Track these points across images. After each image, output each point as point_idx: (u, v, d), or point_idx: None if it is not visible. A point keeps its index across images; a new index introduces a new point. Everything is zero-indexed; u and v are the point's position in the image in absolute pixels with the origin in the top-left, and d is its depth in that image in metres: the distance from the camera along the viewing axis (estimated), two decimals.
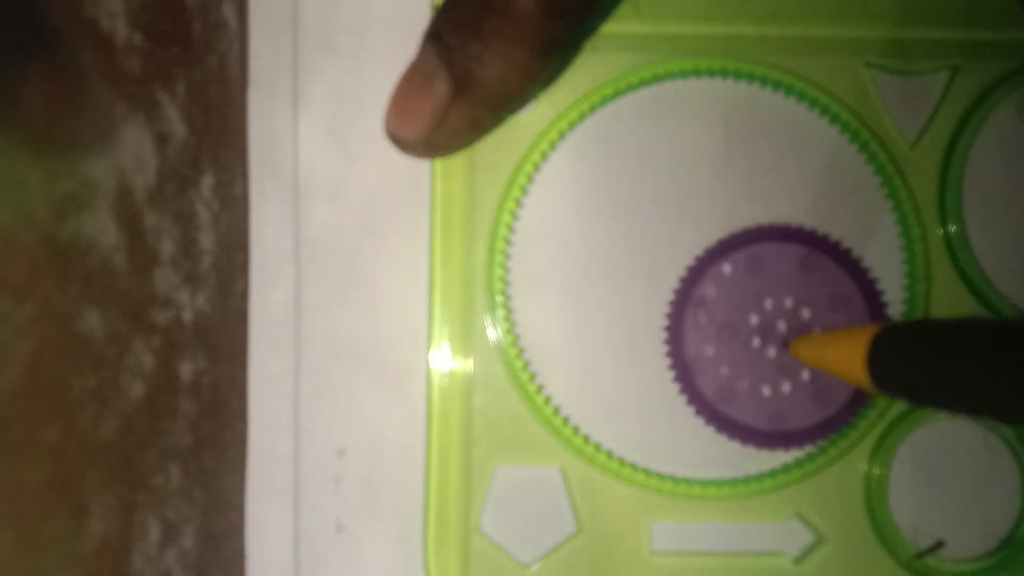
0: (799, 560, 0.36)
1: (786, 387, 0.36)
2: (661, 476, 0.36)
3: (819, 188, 0.36)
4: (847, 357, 0.32)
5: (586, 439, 0.36)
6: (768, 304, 0.36)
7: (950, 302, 0.35)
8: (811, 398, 0.36)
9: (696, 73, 0.36)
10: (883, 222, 0.36)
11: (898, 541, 0.35)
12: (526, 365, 0.36)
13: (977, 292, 0.35)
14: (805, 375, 0.36)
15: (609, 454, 0.36)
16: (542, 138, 0.36)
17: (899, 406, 0.35)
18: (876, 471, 0.35)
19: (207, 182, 0.35)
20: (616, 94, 0.36)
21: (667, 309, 0.36)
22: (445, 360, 0.36)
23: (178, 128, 0.32)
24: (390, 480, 0.37)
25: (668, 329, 0.36)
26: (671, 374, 0.36)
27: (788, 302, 0.36)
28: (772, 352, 0.36)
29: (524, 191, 0.36)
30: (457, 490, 0.35)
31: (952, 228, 0.35)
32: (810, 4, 0.35)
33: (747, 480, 0.36)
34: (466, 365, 0.36)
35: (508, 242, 0.36)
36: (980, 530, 0.36)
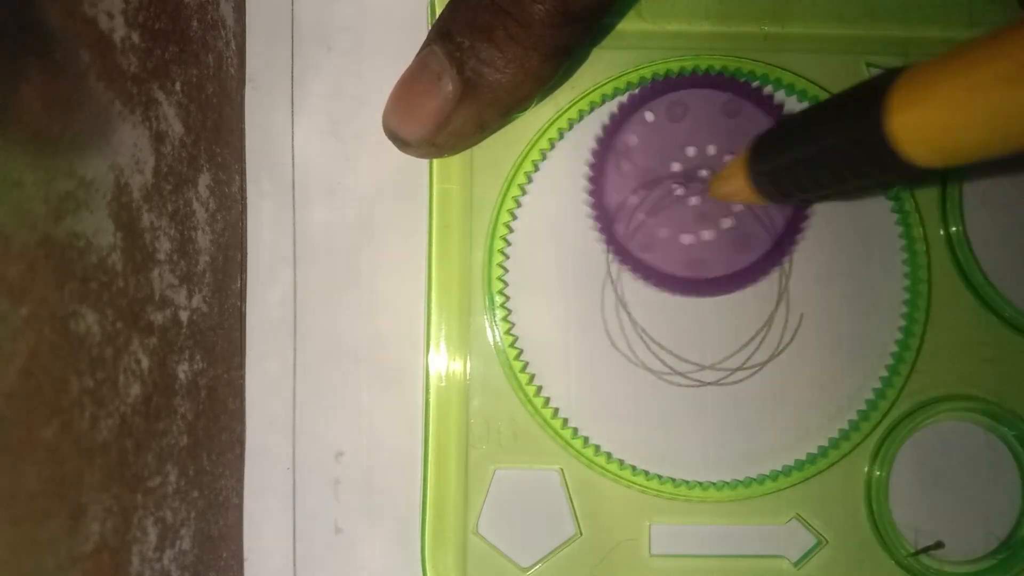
0: (800, 563, 0.36)
1: (706, 234, 0.36)
2: (661, 478, 0.36)
3: None
4: (737, 178, 0.32)
5: (585, 441, 0.36)
6: (691, 152, 0.36)
7: (951, 302, 0.35)
8: (731, 246, 0.36)
9: (697, 72, 0.36)
10: (884, 222, 0.36)
11: (900, 544, 0.35)
12: (525, 366, 0.36)
13: (977, 292, 0.35)
14: (726, 223, 0.36)
15: (609, 456, 0.36)
16: (542, 137, 0.35)
17: (900, 408, 0.35)
18: (877, 473, 0.35)
19: (204, 181, 0.34)
20: (616, 92, 0.36)
21: (590, 159, 0.36)
22: (443, 361, 0.35)
23: (175, 127, 0.32)
24: (388, 482, 0.37)
25: (590, 179, 0.36)
26: (594, 224, 0.36)
27: (711, 149, 0.36)
28: (694, 200, 0.36)
29: (523, 190, 0.36)
30: (455, 492, 0.35)
31: (953, 228, 0.35)
32: (811, 3, 0.35)
33: (747, 482, 0.36)
34: (464, 366, 0.36)
35: (507, 241, 0.36)
36: (981, 531, 0.36)
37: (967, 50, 0.23)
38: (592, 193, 0.36)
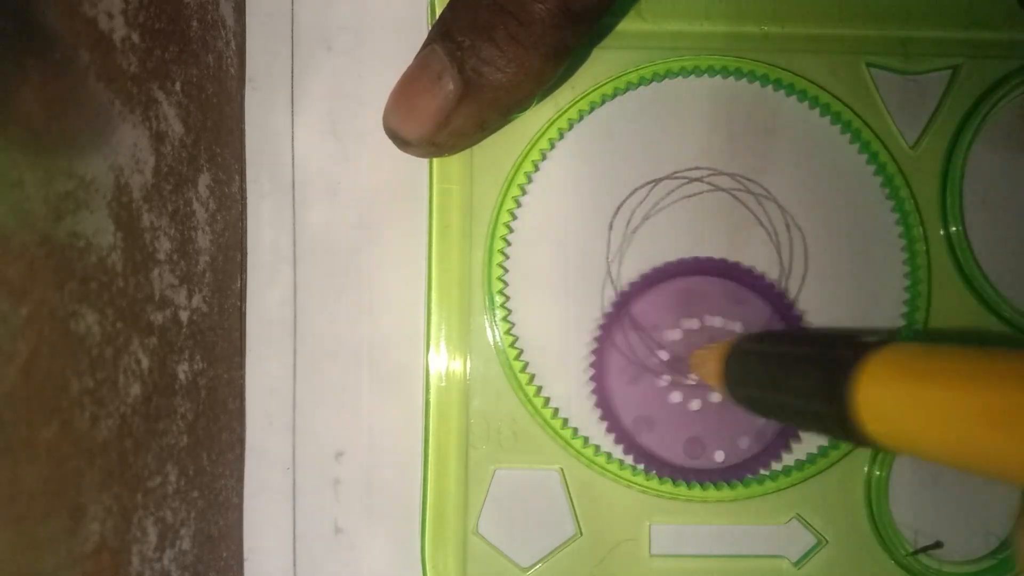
0: (799, 563, 0.36)
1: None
2: (661, 478, 0.35)
3: (820, 188, 0.36)
4: (712, 374, 0.33)
5: (585, 441, 0.36)
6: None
7: (951, 302, 0.35)
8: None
9: (697, 72, 0.36)
10: (884, 222, 0.36)
11: (899, 544, 0.35)
12: (525, 366, 0.36)
13: (977, 292, 0.35)
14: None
15: (609, 456, 0.36)
16: (542, 137, 0.35)
17: None
18: (877, 473, 0.35)
19: (204, 181, 0.34)
20: (616, 93, 0.36)
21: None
22: (443, 361, 0.35)
23: (175, 127, 0.32)
24: (388, 482, 0.37)
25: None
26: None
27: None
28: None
29: (523, 190, 0.36)
30: (455, 492, 0.35)
31: (953, 228, 0.35)
32: (811, 3, 0.35)
33: (747, 482, 0.35)
34: (464, 366, 0.36)
35: (507, 242, 0.36)
36: (980, 531, 0.36)
37: (942, 360, 0.23)
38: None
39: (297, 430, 0.37)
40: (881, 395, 0.24)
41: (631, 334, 0.36)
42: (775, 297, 0.36)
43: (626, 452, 0.36)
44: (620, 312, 0.36)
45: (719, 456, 0.36)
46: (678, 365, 0.36)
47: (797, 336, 0.33)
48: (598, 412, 0.36)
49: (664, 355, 0.36)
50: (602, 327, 0.36)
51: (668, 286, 0.36)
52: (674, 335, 0.36)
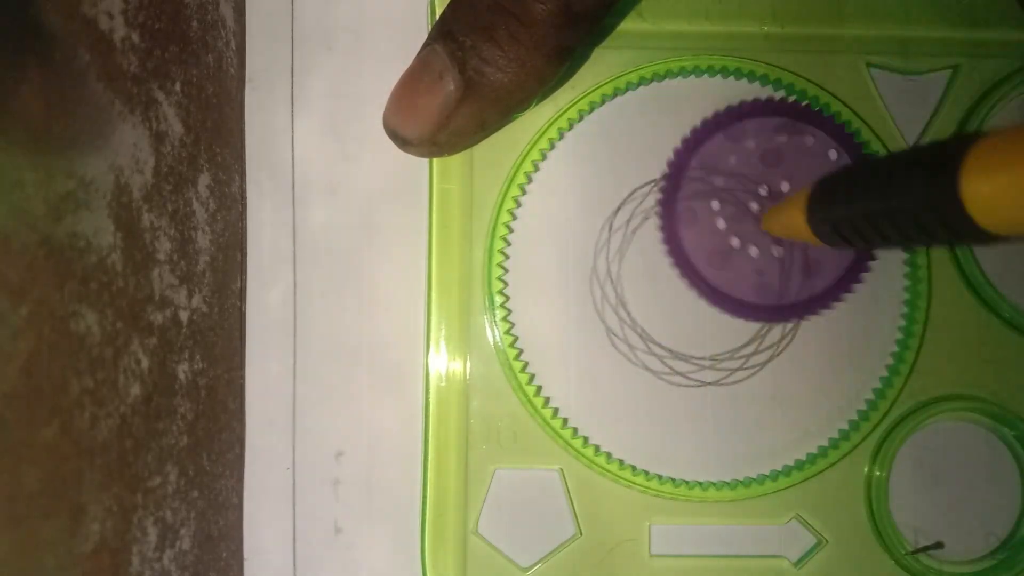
0: (799, 563, 0.36)
1: (776, 260, 0.35)
2: (661, 478, 0.36)
3: None
4: (794, 218, 0.31)
5: (585, 441, 0.36)
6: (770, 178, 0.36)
7: (951, 302, 0.35)
8: (801, 272, 0.35)
9: (697, 72, 0.36)
10: None
11: (899, 543, 0.35)
12: (525, 366, 0.36)
13: (977, 292, 0.35)
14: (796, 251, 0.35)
15: (609, 456, 0.36)
16: (542, 137, 0.35)
17: (900, 408, 0.35)
18: (877, 473, 0.35)
19: (204, 181, 0.34)
20: (616, 92, 0.36)
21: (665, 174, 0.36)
22: (443, 361, 0.35)
23: (175, 127, 0.32)
24: (388, 482, 0.37)
25: (661, 201, 0.36)
26: (664, 248, 0.36)
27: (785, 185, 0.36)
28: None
29: (523, 190, 0.36)
30: (455, 492, 0.35)
31: None
32: (811, 3, 0.35)
33: (747, 482, 0.35)
34: (464, 366, 0.36)
35: (507, 242, 0.36)
36: (981, 531, 0.36)
37: None
38: (662, 213, 0.36)
39: (297, 430, 0.37)
40: (991, 177, 0.23)
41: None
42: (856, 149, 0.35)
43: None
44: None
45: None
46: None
47: (882, 156, 0.33)
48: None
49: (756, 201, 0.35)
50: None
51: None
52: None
